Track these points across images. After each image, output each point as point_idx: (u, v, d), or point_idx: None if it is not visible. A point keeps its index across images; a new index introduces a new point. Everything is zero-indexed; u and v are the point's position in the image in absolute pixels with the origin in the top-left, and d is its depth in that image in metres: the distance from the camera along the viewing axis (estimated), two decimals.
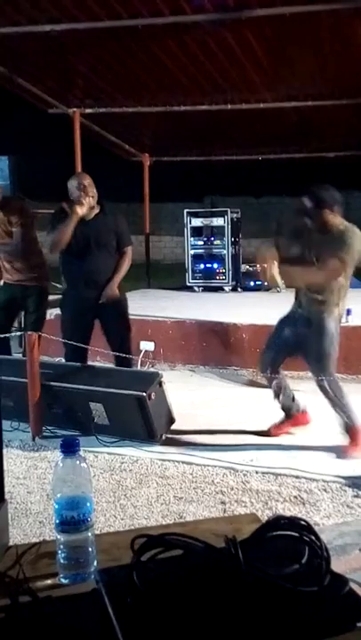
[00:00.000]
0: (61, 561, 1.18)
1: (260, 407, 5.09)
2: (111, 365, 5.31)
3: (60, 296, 5.46)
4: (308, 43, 6.66)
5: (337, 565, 1.08)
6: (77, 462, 1.19)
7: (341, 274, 4.07)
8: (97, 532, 1.23)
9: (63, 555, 1.17)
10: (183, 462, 4.09)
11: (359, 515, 3.32)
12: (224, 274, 10.17)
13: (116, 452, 4.27)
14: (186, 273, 10.43)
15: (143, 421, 4.32)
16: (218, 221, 10.30)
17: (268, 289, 8.76)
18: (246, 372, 6.35)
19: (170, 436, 4.47)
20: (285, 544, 1.07)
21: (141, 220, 11.64)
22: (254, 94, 8.36)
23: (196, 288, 10.27)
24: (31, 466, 4.12)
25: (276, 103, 8.54)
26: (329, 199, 4.08)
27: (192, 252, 10.38)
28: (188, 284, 10.40)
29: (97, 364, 5.59)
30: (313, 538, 1.06)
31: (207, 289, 10.14)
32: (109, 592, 1.02)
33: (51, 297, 5.86)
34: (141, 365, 6.18)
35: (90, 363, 5.14)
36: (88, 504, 1.18)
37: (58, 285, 6.27)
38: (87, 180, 4.82)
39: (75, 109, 9.05)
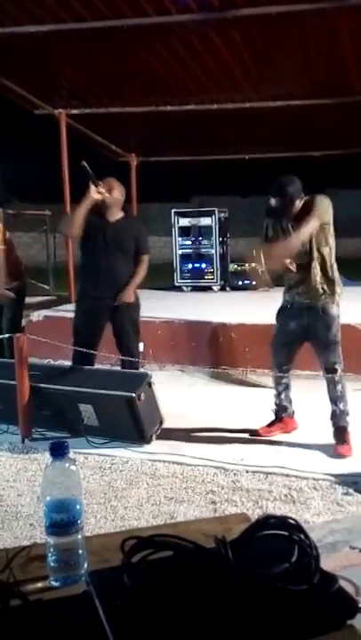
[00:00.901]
0: (52, 564, 1.18)
1: (250, 407, 5.10)
2: (117, 368, 5.28)
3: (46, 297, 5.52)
4: (294, 42, 6.68)
5: (327, 563, 1.09)
6: (67, 465, 1.19)
7: (316, 227, 3.99)
8: (88, 533, 1.23)
9: (53, 557, 1.17)
10: (173, 462, 4.09)
11: (349, 512, 3.34)
12: (212, 273, 10.18)
13: (106, 453, 4.27)
14: (174, 273, 10.42)
15: (133, 422, 4.32)
16: (205, 221, 10.29)
17: (256, 288, 8.77)
18: (235, 371, 6.36)
19: (160, 436, 4.46)
20: (275, 543, 1.07)
21: None
22: (240, 94, 8.38)
23: (184, 288, 10.27)
24: (21, 468, 4.11)
25: (261, 102, 8.56)
26: (295, 191, 4.04)
27: (180, 251, 10.38)
28: (177, 284, 10.40)
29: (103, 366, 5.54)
30: (302, 537, 1.06)
31: (196, 289, 10.14)
32: (100, 594, 1.02)
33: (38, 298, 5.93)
34: None
35: (97, 365, 5.10)
36: (78, 506, 1.18)
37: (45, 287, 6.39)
38: (112, 181, 4.89)
39: (60, 110, 9.04)
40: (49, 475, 1.19)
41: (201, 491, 3.66)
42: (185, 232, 10.41)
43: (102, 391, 4.37)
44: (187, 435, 4.60)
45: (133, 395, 4.23)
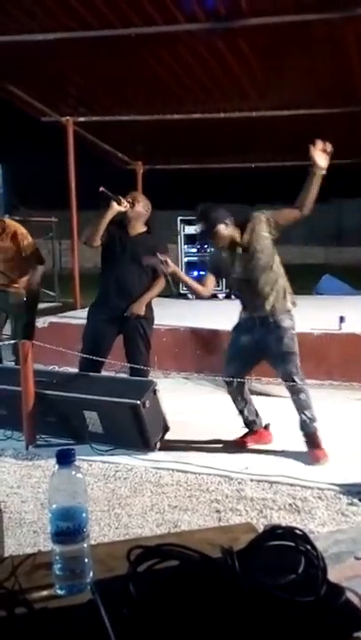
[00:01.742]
0: (57, 572, 1.17)
1: None
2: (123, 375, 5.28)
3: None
4: (301, 52, 6.70)
5: (332, 574, 1.08)
6: (73, 473, 1.19)
7: (296, 216, 4.17)
8: (91, 541, 1.22)
9: (59, 565, 1.17)
10: (178, 470, 4.07)
11: (354, 522, 3.32)
12: (218, 281, 10.16)
13: (110, 460, 4.26)
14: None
15: (138, 430, 4.31)
16: None
17: None
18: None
19: (164, 444, 4.46)
20: (282, 554, 1.07)
21: None
22: (247, 103, 8.41)
23: (189, 296, 10.25)
24: (25, 475, 4.10)
25: (268, 111, 8.59)
26: (218, 216, 4.18)
27: (186, 259, 10.39)
28: (182, 292, 10.39)
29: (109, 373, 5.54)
30: (309, 547, 1.06)
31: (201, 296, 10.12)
32: (105, 603, 1.01)
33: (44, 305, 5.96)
34: None
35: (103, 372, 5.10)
36: (84, 514, 1.18)
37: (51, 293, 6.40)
38: (137, 195, 5.04)
39: (67, 118, 9.08)
40: (55, 482, 1.19)
41: (205, 499, 3.65)
42: (191, 240, 10.42)
43: (107, 398, 4.37)
44: (191, 443, 4.58)
45: (138, 402, 4.22)
